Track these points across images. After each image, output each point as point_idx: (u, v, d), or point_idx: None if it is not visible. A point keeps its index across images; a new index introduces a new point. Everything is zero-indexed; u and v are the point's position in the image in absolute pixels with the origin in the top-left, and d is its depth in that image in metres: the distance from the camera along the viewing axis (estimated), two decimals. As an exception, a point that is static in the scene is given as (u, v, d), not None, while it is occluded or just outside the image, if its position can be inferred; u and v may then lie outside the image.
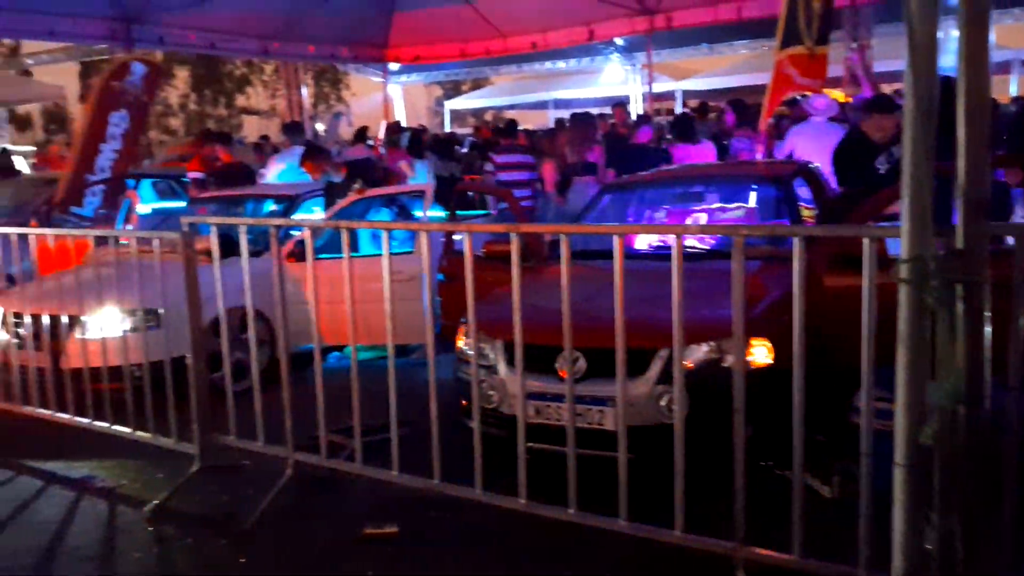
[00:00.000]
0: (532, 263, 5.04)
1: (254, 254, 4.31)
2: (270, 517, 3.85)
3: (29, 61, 22.36)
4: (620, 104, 11.15)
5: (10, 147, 21.24)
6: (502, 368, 4.03)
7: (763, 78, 16.02)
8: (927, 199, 2.08)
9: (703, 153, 8.15)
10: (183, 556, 3.59)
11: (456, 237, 6.18)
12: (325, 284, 4.02)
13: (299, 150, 9.35)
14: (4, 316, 5.54)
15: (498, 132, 10.27)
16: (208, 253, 4.71)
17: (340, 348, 6.70)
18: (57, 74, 28.87)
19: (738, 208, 5.19)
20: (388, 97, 18.91)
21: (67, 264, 5.16)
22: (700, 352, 3.71)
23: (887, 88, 10.42)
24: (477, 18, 14.14)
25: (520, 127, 11.09)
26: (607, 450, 3.61)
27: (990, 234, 2.13)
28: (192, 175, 8.93)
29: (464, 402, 4.25)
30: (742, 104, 9.96)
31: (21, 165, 14.26)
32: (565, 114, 24.57)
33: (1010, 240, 2.44)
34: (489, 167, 8.74)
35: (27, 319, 5.21)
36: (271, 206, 7.50)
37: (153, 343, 4.65)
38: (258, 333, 4.36)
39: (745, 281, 2.87)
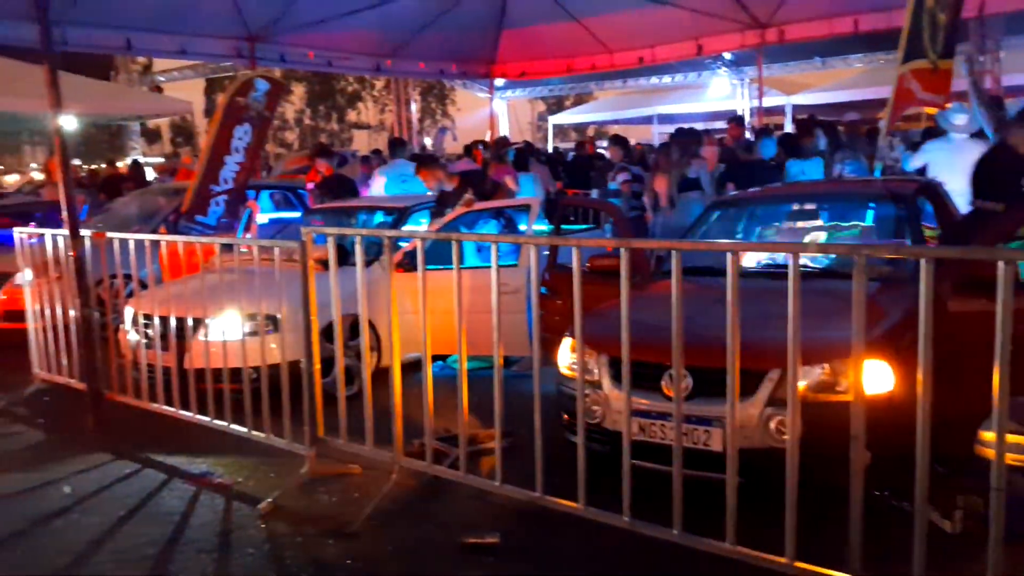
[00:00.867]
0: (637, 279, 5.01)
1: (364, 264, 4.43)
2: (376, 520, 3.93)
3: (160, 78, 23.80)
4: (736, 119, 10.89)
5: (141, 159, 22.60)
6: (606, 384, 4.00)
7: (878, 92, 15.42)
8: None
9: (816, 170, 7.92)
10: (293, 554, 3.70)
11: (558, 251, 6.24)
12: (430, 294, 4.09)
13: (400, 163, 9.56)
14: (135, 317, 5.87)
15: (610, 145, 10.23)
16: (321, 262, 4.89)
17: (443, 358, 6.81)
18: (184, 90, 30.59)
19: (855, 226, 5.00)
20: (493, 112, 19.17)
21: (192, 269, 5.43)
22: (813, 375, 3.59)
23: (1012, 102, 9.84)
24: (584, 34, 14.18)
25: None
26: (713, 471, 3.55)
27: None
28: (310, 187, 9.28)
29: (566, 416, 4.25)
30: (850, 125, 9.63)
31: (148, 175, 15.17)
32: (669, 129, 24.35)
33: None
34: (621, 178, 8.72)
35: (156, 320, 5.52)
36: (381, 217, 7.71)
37: (270, 347, 4.83)
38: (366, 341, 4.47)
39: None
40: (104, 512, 4.22)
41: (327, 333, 4.92)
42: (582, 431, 3.51)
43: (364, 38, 13.46)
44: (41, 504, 4.36)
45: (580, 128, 42.69)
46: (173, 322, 5.27)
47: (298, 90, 56.20)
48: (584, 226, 8.97)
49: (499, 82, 18.34)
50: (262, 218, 8.94)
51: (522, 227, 7.60)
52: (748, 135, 10.15)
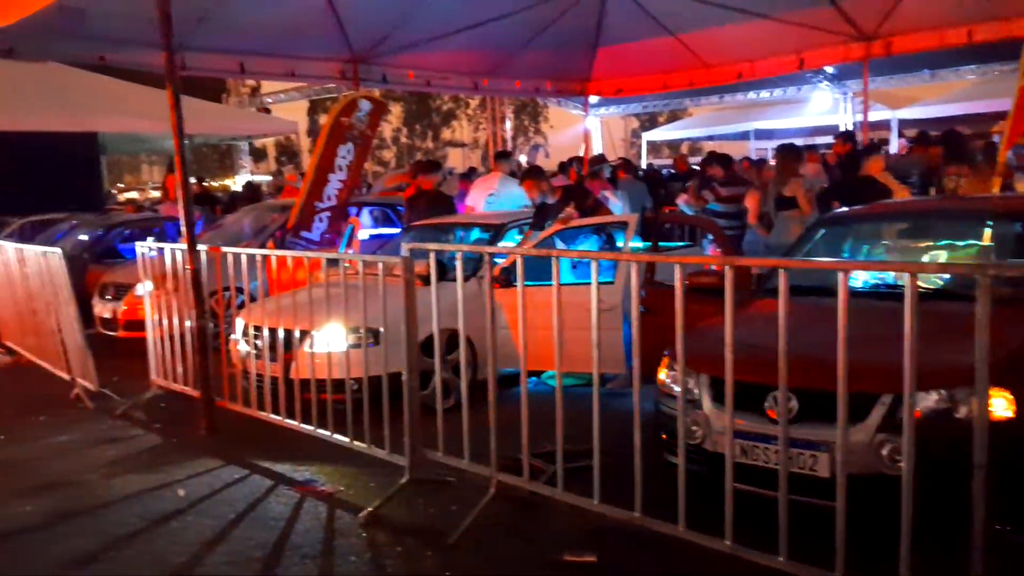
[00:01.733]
0: (738, 297, 4.89)
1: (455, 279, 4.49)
2: (474, 534, 3.96)
3: (268, 100, 24.82)
4: (844, 135, 10.55)
5: (254, 178, 23.57)
6: (706, 404, 3.93)
7: (992, 105, 14.65)
8: None
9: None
10: (393, 564, 3.76)
11: (656, 268, 6.17)
12: (526, 310, 4.10)
13: (497, 177, 9.63)
14: (245, 328, 6.11)
15: (707, 162, 10.06)
16: (421, 277, 4.98)
17: (537, 374, 6.82)
18: (289, 111, 31.81)
19: (972, 245, 4.76)
20: (587, 129, 19.15)
21: (296, 283, 5.62)
22: (929, 400, 3.43)
23: None
24: (682, 50, 13.98)
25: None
26: (819, 497, 3.43)
27: None
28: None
29: (664, 436, 4.18)
30: (956, 137, 9.16)
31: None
32: (767, 145, 23.76)
33: None
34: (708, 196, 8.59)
35: (264, 331, 5.73)
36: (477, 234, 7.81)
37: (372, 359, 4.94)
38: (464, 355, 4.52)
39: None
40: (215, 515, 4.39)
41: (425, 347, 5.01)
42: (683, 452, 3.45)
43: (462, 58, 13.67)
44: (157, 505, 4.57)
45: (674, 144, 42.18)
46: (281, 333, 5.45)
47: (395, 109, 57.68)
48: (680, 243, 8.86)
49: (593, 99, 18.30)
50: (363, 234, 9.18)
51: (618, 244, 7.57)
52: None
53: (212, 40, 10.39)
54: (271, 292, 6.13)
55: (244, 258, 5.71)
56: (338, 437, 4.97)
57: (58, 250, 6.62)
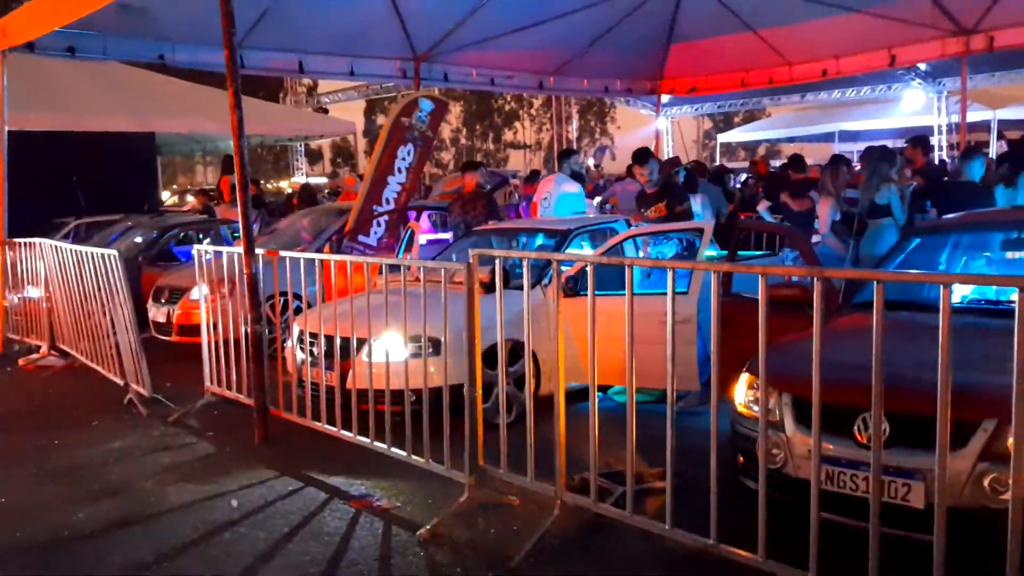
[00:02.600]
0: (823, 312, 4.80)
1: (522, 287, 4.51)
2: (537, 556, 3.96)
3: (325, 99, 25.33)
4: (916, 140, 10.25)
5: (311, 181, 24.04)
6: (789, 426, 3.86)
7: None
8: None
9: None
10: (452, 584, 3.78)
11: (732, 278, 6.09)
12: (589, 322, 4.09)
13: (553, 180, 9.62)
14: (301, 335, 6.24)
15: (786, 167, 9.94)
16: (483, 285, 5.01)
17: (604, 389, 6.79)
18: (346, 111, 32.48)
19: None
20: (658, 130, 19.04)
21: (353, 290, 5.71)
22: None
23: None
24: (761, 46, 13.81)
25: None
26: (912, 530, 3.35)
27: None
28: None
29: (741, 458, 4.12)
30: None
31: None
32: (852, 148, 23.28)
33: None
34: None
35: (320, 339, 5.83)
36: (542, 240, 7.82)
37: (432, 370, 4.99)
38: (529, 367, 4.54)
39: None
40: (269, 528, 4.48)
41: (487, 358, 5.04)
42: (763, 476, 3.39)
43: (527, 56, 13.74)
44: (211, 516, 4.69)
45: (750, 147, 41.63)
46: (337, 341, 5.54)
47: (455, 109, 58.25)
48: (757, 252, 8.73)
49: (665, 98, 18.19)
50: (421, 239, 9.28)
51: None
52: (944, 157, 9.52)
53: (271, 38, 10.68)
54: (327, 298, 6.24)
55: (301, 262, 5.83)
56: (395, 451, 5.02)
57: (115, 251, 6.86)
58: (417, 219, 9.73)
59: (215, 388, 6.73)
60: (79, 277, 7.61)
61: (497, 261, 4.48)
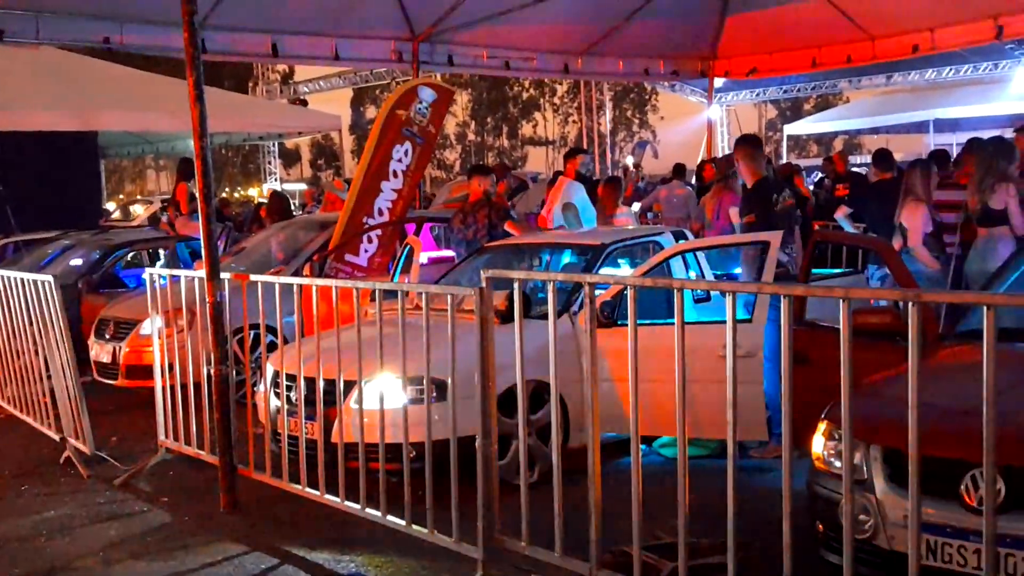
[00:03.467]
0: (921, 344, 4.77)
1: (545, 316, 4.51)
2: (567, 650, 3.92)
3: (304, 89, 25.60)
4: None
5: (287, 187, 24.18)
6: (880, 485, 3.83)
7: None
8: None
9: None
10: None
11: (806, 303, 6.07)
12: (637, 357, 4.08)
13: (564, 184, 9.66)
14: (276, 377, 6.25)
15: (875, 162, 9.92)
16: (498, 313, 5.01)
17: (649, 441, 6.76)
18: (329, 102, 32.78)
19: None
20: (711, 120, 19.11)
21: (340, 321, 5.72)
22: None
23: None
24: (836, 16, 13.88)
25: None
26: (1038, 616, 3.30)
27: None
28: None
29: (821, 526, 4.09)
30: None
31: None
32: (951, 139, 23.24)
33: None
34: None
35: (300, 382, 5.84)
36: (569, 258, 7.84)
37: (437, 419, 4.99)
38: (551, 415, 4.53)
39: None
40: (237, 615, 4.47)
41: (504, 404, 5.03)
42: (849, 549, 3.36)
43: (550, 33, 13.87)
44: (166, 601, 4.69)
45: (824, 139, 41.66)
46: (320, 385, 5.55)
47: (462, 99, 58.64)
48: (839, 270, 8.69)
49: (718, 82, 18.29)
50: (422, 257, 9.32)
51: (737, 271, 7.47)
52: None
53: (239, 16, 10.83)
54: (308, 332, 6.25)
55: (276, 288, 5.84)
56: (392, 519, 5.00)
57: (49, 277, 6.90)
58: (417, 233, 9.76)
59: (171, 443, 6.74)
60: (6, 308, 7.67)
61: (515, 284, 4.48)
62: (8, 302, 7.59)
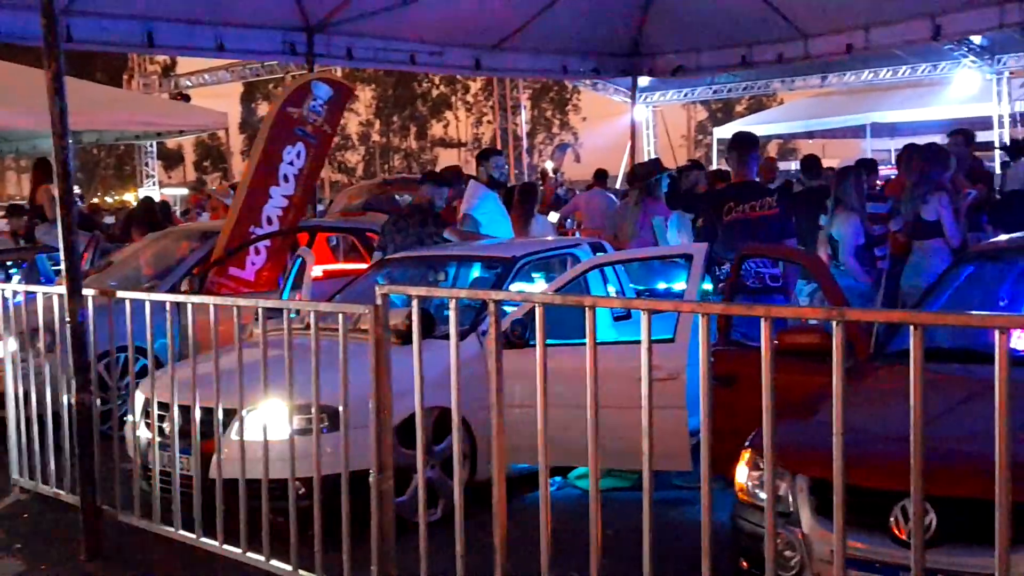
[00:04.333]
0: (851, 363, 4.88)
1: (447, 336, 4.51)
2: None
3: (186, 82, 25.22)
4: (959, 132, 10.59)
5: (167, 192, 23.71)
6: (806, 518, 3.90)
7: None
8: None
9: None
10: None
11: (732, 321, 6.17)
12: (548, 380, 4.10)
13: (469, 191, 9.69)
14: (147, 406, 6.13)
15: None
16: (397, 333, 4.99)
17: (564, 472, 6.80)
18: (216, 98, 32.38)
19: None
20: (635, 122, 19.36)
21: (221, 343, 5.65)
22: None
23: None
24: (767, 13, 14.19)
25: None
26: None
27: None
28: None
29: (745, 563, 4.15)
30: None
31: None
32: (889, 144, 23.83)
33: None
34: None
35: (174, 411, 5.73)
36: (478, 272, 7.85)
37: (327, 452, 4.94)
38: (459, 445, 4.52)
39: None
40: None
41: (402, 434, 5.00)
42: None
43: (460, 25, 13.90)
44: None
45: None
46: (197, 414, 5.45)
47: (364, 95, 58.35)
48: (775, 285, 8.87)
49: (643, 81, 18.54)
50: (316, 271, 9.24)
51: (679, 286, 7.57)
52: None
53: (108, 1, 10.62)
54: (185, 355, 6.14)
55: (148, 306, 5.74)
56: (276, 564, 4.94)
57: None
58: (310, 244, 9.67)
59: (25, 482, 6.58)
60: None
61: (414, 302, 4.47)
62: None
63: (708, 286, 7.23)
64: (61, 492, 6.24)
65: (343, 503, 4.64)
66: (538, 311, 4.08)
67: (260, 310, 5.25)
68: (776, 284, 6.92)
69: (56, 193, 5.78)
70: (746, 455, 4.25)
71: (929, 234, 7.32)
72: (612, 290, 7.39)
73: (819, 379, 4.28)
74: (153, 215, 12.84)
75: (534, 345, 4.10)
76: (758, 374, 3.47)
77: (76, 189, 12.13)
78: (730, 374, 5.57)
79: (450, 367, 4.33)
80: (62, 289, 5.87)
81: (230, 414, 5.54)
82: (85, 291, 5.84)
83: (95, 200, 32.56)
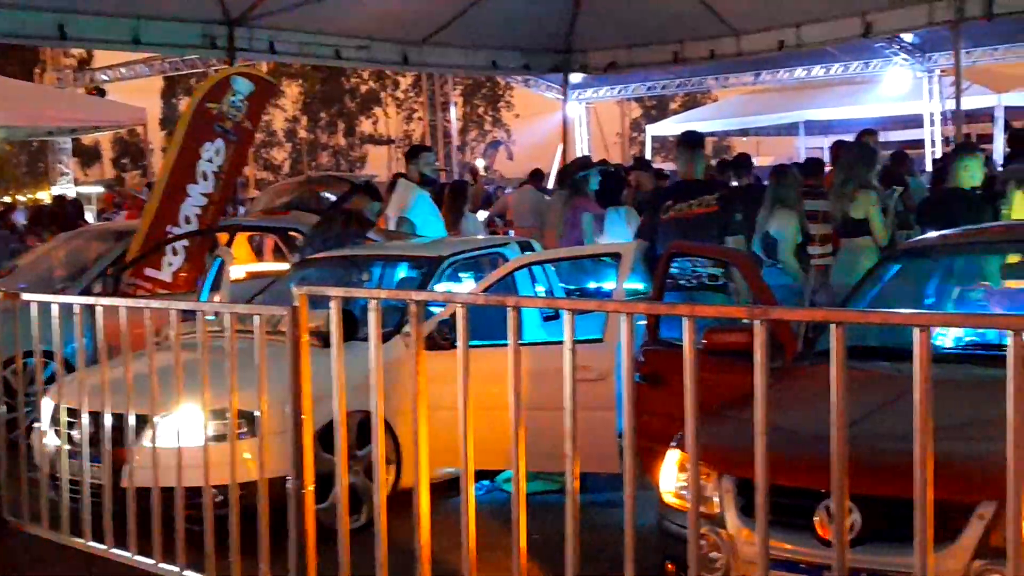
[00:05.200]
0: (779, 363, 4.95)
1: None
2: None
3: (103, 76, 24.79)
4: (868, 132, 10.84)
5: (82, 191, 23.30)
6: (732, 519, 3.93)
7: None
8: None
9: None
10: None
11: (661, 321, 6.22)
12: (473, 383, 4.10)
13: (414, 189, 9.67)
14: (55, 412, 6.01)
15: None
16: (319, 335, 4.95)
17: (491, 476, 6.79)
18: (135, 93, 31.87)
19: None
20: (568, 119, 19.42)
21: (134, 346, 5.57)
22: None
23: None
24: (699, 9, 14.33)
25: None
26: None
27: None
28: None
29: (671, 566, 4.17)
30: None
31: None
32: (822, 142, 24.22)
33: None
34: None
35: (84, 418, 5.62)
36: (405, 272, 7.82)
37: (246, 457, 4.90)
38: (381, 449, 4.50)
39: None
40: None
41: (324, 438, 4.96)
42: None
43: (387, 18, 13.85)
44: None
45: (693, 142, 42.84)
46: (108, 420, 5.36)
47: (291, 91, 57.85)
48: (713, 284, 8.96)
49: (576, 78, 18.62)
50: (237, 272, 9.15)
51: (609, 285, 7.62)
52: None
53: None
54: (97, 359, 6.04)
55: (56, 309, 5.64)
56: (191, 575, 4.87)
57: None
58: (230, 244, 9.57)
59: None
60: None
61: (333, 302, 4.43)
62: None
63: (639, 285, 7.30)
64: (-37, 504, 6.11)
65: (260, 511, 4.59)
66: (459, 312, 4.08)
67: (174, 313, 5.17)
68: (714, 283, 6.97)
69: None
70: (671, 455, 4.27)
71: (857, 232, 7.45)
72: (541, 290, 7.40)
73: (748, 378, 4.34)
74: (63, 214, 12.65)
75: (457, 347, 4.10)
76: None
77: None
78: (658, 374, 5.63)
79: (369, 371, 4.31)
80: (-35, 291, 5.76)
81: (142, 420, 5.46)
82: (-11, 292, 5.73)
83: (6, 199, 31.87)
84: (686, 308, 3.52)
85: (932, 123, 19.50)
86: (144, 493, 5.18)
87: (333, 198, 10.47)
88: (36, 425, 6.25)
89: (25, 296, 5.94)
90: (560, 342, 5.18)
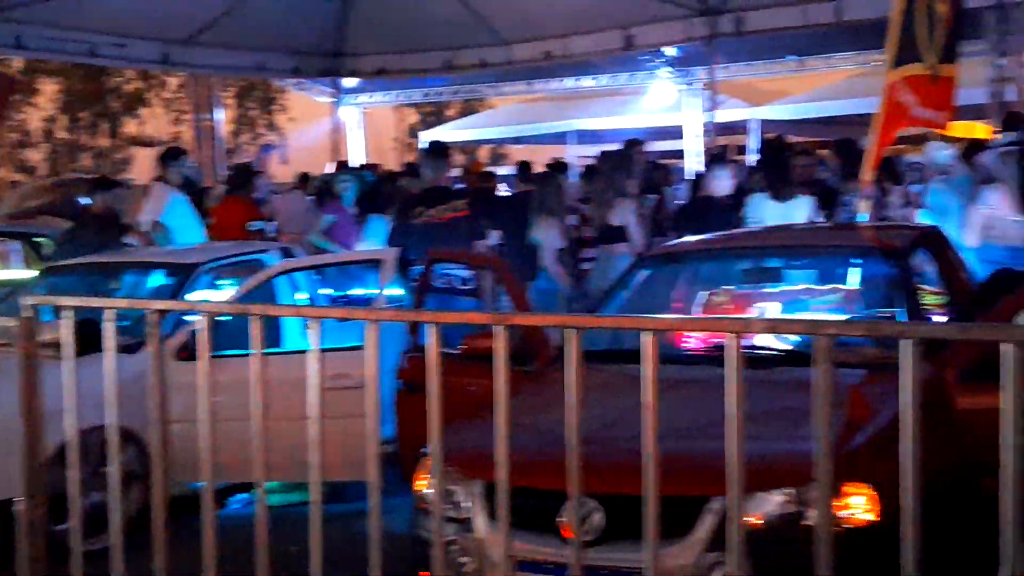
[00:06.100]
0: (532, 367, 5.04)
1: (128, 349, 4.33)
2: None
3: None
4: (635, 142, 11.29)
5: None
6: (480, 522, 4.00)
7: (874, 105, 16.40)
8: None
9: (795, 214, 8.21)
10: None
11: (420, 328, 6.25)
12: (231, 392, 4.02)
13: (171, 194, 9.40)
14: None
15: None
16: (58, 347, 4.73)
17: (250, 488, 6.66)
18: None
19: (832, 291, 5.22)
20: (339, 123, 19.28)
21: None
22: (771, 504, 3.66)
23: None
24: (470, 18, 14.50)
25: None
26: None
27: None
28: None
29: (423, 574, 4.19)
30: (850, 146, 10.06)
31: None
32: (591, 150, 24.99)
33: None
34: None
35: None
36: (161, 279, 7.58)
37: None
38: (129, 464, 4.36)
39: (840, 400, 2.84)
40: None
41: (64, 456, 4.74)
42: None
43: (146, 16, 13.40)
44: None
45: (469, 148, 43.28)
46: None
47: (47, 89, 54.95)
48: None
49: (351, 82, 18.47)
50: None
51: (371, 292, 7.60)
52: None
53: None
54: None
55: None
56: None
57: None
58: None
59: None
60: None
61: (65, 313, 4.25)
62: None
63: (399, 291, 7.32)
64: None
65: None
66: (204, 321, 3.98)
67: None
68: (467, 287, 7.05)
69: None
70: (424, 463, 4.30)
71: (615, 239, 7.70)
72: (304, 296, 7.32)
73: (511, 383, 4.42)
74: None
75: (216, 356, 4.00)
76: (449, 379, 3.54)
77: None
78: (416, 381, 5.64)
79: (120, 383, 4.15)
80: None
81: None
82: None
83: None
84: (430, 315, 3.57)
85: (695, 135, 20.27)
86: None
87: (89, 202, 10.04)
88: None
89: None
90: (328, 349, 5.16)
